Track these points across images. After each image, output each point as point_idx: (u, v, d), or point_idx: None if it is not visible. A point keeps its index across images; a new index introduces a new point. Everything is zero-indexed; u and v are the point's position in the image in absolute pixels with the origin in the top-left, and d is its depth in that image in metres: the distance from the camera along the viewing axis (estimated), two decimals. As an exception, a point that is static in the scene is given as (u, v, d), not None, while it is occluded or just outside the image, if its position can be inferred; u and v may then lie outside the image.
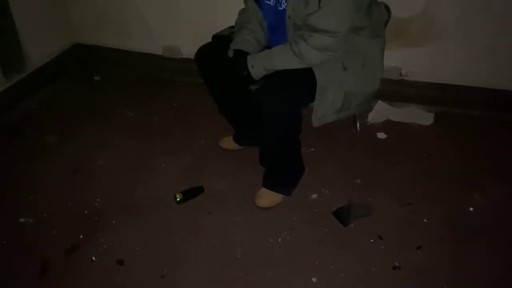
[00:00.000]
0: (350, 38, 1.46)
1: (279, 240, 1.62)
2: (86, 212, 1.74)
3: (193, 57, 1.73)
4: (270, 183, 1.75)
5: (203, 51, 1.71)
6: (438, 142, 2.08)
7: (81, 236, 1.63)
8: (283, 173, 1.75)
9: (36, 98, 2.47)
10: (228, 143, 2.03)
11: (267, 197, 1.74)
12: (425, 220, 1.68)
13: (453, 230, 1.63)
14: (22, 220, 1.70)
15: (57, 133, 2.18)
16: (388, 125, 2.20)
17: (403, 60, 2.28)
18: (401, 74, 2.34)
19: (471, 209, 1.72)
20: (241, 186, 1.84)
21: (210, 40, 1.75)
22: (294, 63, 1.45)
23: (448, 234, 1.61)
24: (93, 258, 1.55)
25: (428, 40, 2.20)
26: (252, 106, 1.56)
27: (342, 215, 1.69)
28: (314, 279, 1.47)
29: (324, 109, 1.50)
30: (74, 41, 2.77)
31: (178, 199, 1.76)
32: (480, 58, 2.18)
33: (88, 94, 2.55)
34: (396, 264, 1.51)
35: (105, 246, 1.60)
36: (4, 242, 1.62)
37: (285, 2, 1.47)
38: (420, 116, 2.25)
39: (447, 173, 1.89)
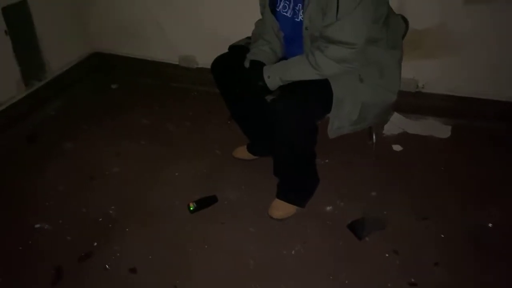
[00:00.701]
0: (367, 49, 1.45)
1: (293, 252, 1.60)
2: (100, 219, 1.75)
3: (209, 66, 1.74)
4: (284, 194, 1.73)
5: (220, 61, 1.72)
6: (456, 155, 2.05)
7: (95, 244, 1.64)
8: (297, 184, 1.73)
9: (54, 105, 2.51)
10: (242, 153, 2.03)
11: (281, 209, 1.72)
12: (442, 236, 1.64)
13: (471, 247, 1.59)
14: (37, 226, 1.72)
15: (74, 140, 2.21)
16: (404, 138, 2.18)
17: (420, 72, 2.26)
18: (417, 86, 2.31)
19: (490, 225, 1.68)
20: (255, 197, 1.83)
21: (226, 50, 1.76)
22: (310, 74, 1.45)
23: (466, 251, 1.57)
24: (106, 266, 1.55)
25: (445, 52, 2.17)
26: (267, 116, 1.56)
27: (357, 228, 1.67)
28: (327, 293, 1.45)
29: (340, 120, 1.49)
30: (93, 49, 2.83)
31: (191, 208, 1.75)
32: (498, 70, 2.15)
33: (105, 102, 2.58)
34: (413, 280, 1.48)
35: (118, 254, 1.60)
36: (20, 248, 1.63)
37: (302, 13, 1.48)
38: (436, 128, 2.22)
39: (465, 187, 1.85)
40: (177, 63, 2.67)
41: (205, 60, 2.31)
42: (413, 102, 2.30)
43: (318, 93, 1.45)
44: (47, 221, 1.73)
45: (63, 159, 2.09)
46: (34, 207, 1.81)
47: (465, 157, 2.02)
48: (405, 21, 1.68)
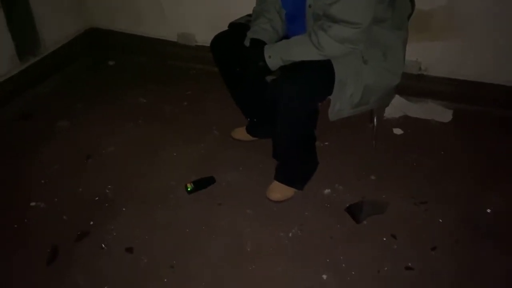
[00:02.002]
0: (371, 30, 1.40)
1: (290, 234, 1.59)
2: (96, 198, 1.73)
3: (208, 44, 1.70)
4: (283, 177, 1.72)
5: (219, 39, 1.67)
6: (456, 140, 2.02)
7: (91, 223, 1.63)
8: (296, 167, 1.71)
9: (50, 82, 2.46)
10: (241, 134, 2.00)
11: (279, 191, 1.71)
12: (441, 220, 1.63)
13: (469, 232, 1.58)
14: (33, 204, 1.70)
15: (70, 118, 2.18)
16: (405, 121, 2.15)
17: (423, 54, 2.21)
18: (420, 69, 2.27)
19: (488, 210, 1.67)
20: (253, 179, 1.81)
21: (226, 28, 1.71)
22: (312, 55, 1.41)
23: (464, 236, 1.57)
24: (103, 245, 1.55)
25: (449, 35, 2.13)
26: (267, 98, 1.52)
27: (355, 212, 1.66)
28: (324, 276, 1.45)
29: (341, 103, 1.46)
30: (89, 25, 2.76)
31: (189, 189, 1.74)
32: (503, 55, 2.10)
33: (101, 79, 2.54)
34: (409, 264, 1.48)
35: (114, 234, 1.59)
36: (15, 226, 1.62)
37: (305, -10, 1.42)
38: (438, 112, 2.19)
39: (464, 172, 1.84)
40: (175, 40, 2.61)
41: (204, 37, 2.27)
42: (415, 85, 2.26)
43: (320, 75, 1.41)
44: (42, 200, 1.72)
45: (58, 137, 2.06)
46: (29, 185, 1.79)
47: (466, 142, 2.00)
48: (412, 1, 1.63)
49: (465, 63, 2.18)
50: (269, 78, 1.57)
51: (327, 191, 1.76)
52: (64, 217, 1.65)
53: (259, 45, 1.50)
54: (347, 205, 1.69)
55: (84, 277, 1.44)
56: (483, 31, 2.07)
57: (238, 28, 1.66)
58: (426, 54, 2.21)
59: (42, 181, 1.81)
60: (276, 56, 1.45)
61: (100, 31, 2.76)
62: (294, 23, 1.56)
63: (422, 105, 2.23)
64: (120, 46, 2.74)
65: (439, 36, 2.14)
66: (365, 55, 1.44)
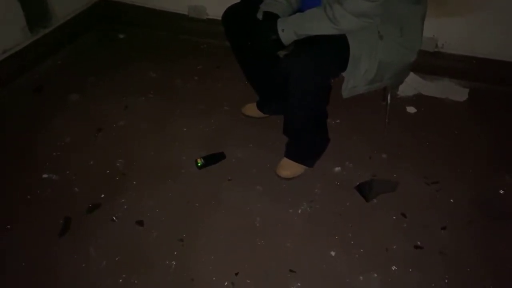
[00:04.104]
0: (389, 3, 1.35)
1: (299, 211, 1.59)
2: (108, 171, 1.75)
3: (220, 18, 1.66)
4: (293, 154, 1.71)
5: (231, 12, 1.64)
6: (471, 119, 1.99)
7: (102, 195, 1.64)
8: (307, 144, 1.70)
9: (60, 55, 2.45)
10: (251, 110, 1.98)
11: (289, 168, 1.70)
12: (452, 200, 1.62)
13: (480, 212, 1.57)
14: (45, 176, 1.72)
15: (81, 91, 2.18)
16: (419, 99, 2.11)
17: (441, 30, 2.15)
18: (436, 46, 2.21)
19: (501, 191, 1.65)
20: (263, 155, 1.80)
21: (238, 0, 1.67)
22: (327, 29, 1.37)
23: (475, 216, 1.56)
24: (114, 218, 1.57)
25: (468, 10, 2.05)
26: (279, 73, 1.49)
27: (365, 190, 1.65)
28: (332, 253, 1.45)
29: (355, 79, 1.43)
30: (99, -4, 2.72)
31: (199, 164, 1.74)
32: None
33: (112, 52, 2.52)
34: (419, 243, 1.47)
35: (125, 207, 1.61)
36: (28, 197, 1.64)
37: (321, -39, 1.37)
38: (453, 91, 2.14)
39: (478, 153, 1.81)
40: (186, 13, 2.56)
41: (215, 10, 2.22)
42: (431, 62, 2.21)
43: (334, 50, 1.37)
44: (54, 172, 1.74)
45: (70, 110, 2.07)
46: (41, 158, 1.81)
47: (480, 122, 1.97)
48: (431, -27, 1.56)
49: (484, 40, 2.12)
50: (281, 53, 1.54)
51: (337, 168, 1.75)
52: (75, 189, 1.67)
53: (272, 18, 1.46)
54: (357, 183, 1.68)
55: (96, 249, 1.47)
56: (503, 7, 1.99)
57: (251, 0, 1.61)
58: (444, 31, 2.15)
59: (54, 154, 1.83)
60: (289, 29, 1.41)
61: (110, 3, 2.72)
62: (309, -5, 1.51)
63: (437, 83, 2.18)
64: (131, 19, 2.71)
65: (458, 12, 2.07)
66: (381, 30, 1.40)
